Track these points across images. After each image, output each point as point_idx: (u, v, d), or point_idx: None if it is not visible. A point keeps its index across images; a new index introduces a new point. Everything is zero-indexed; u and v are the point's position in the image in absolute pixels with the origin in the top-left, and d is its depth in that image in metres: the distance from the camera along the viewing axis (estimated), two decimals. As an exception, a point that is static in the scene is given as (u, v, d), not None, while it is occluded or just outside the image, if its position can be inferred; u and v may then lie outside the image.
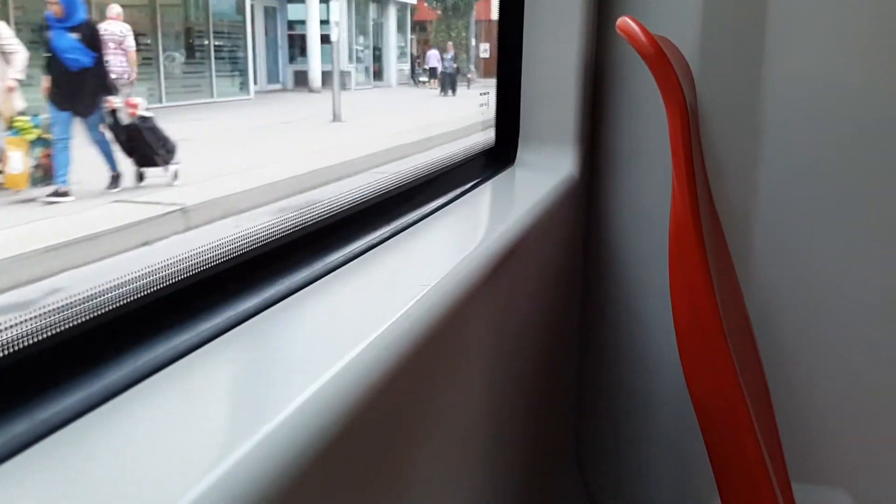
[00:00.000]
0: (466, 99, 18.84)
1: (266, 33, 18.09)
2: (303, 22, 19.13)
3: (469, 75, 23.72)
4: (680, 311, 0.89)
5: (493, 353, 1.04)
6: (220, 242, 0.74)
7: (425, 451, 0.78)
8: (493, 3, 26.43)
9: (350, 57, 20.97)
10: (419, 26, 26.18)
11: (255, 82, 15.71)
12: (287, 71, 19.34)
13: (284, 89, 18.66)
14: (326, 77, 19.05)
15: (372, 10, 23.19)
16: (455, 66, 21.07)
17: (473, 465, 0.99)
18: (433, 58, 21.83)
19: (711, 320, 0.86)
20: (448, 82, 20.90)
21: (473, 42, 25.33)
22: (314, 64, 18.91)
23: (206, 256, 0.72)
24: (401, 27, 24.25)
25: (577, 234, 1.60)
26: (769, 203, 1.56)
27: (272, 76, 18.47)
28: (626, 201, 1.60)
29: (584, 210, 1.62)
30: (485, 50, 25.60)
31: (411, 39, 24.88)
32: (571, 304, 1.64)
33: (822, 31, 1.50)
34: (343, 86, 20.30)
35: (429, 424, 0.78)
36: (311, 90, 18.42)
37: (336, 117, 12.47)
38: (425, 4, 25.15)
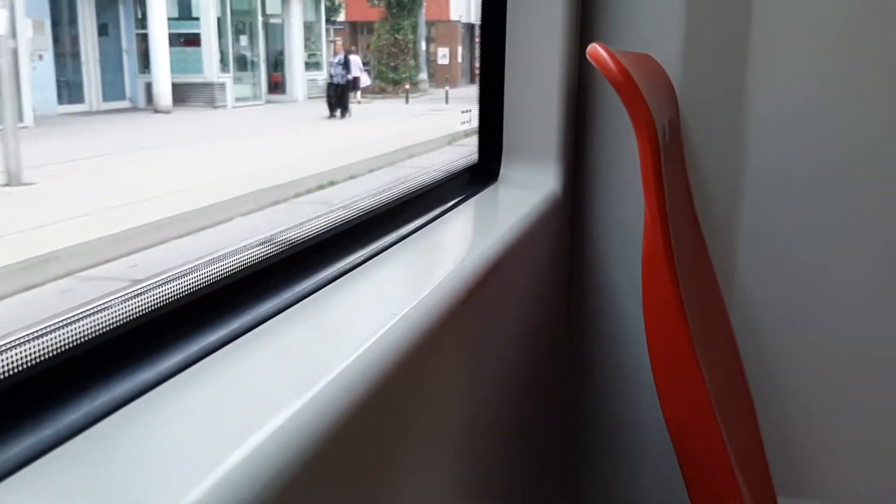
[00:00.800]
0: (361, 123, 14.50)
1: (105, 32, 12.97)
2: (175, 19, 14.49)
3: (407, 86, 19.52)
4: (653, 334, 0.89)
5: (476, 374, 1.04)
6: (187, 271, 0.75)
7: (409, 472, 0.78)
8: (449, 1, 22.77)
9: (224, 64, 16.30)
10: (365, 28, 21.89)
11: (88, 99, 11.52)
12: (137, 83, 14.21)
13: (134, 107, 13.86)
14: (188, 91, 14.88)
15: (264, 2, 17.79)
16: (347, 75, 15.61)
17: (460, 484, 0.99)
18: (355, 66, 16.25)
19: (683, 343, 0.86)
20: (337, 98, 15.24)
21: (424, 45, 21.06)
22: (160, 74, 14.03)
23: (175, 286, 0.72)
24: (312, 27, 19.26)
25: (560, 251, 1.60)
26: (753, 217, 1.56)
27: (115, 90, 13.33)
28: (609, 218, 1.61)
29: (568, 227, 1.62)
30: (443, 55, 22.22)
31: (333, 42, 20.25)
32: (557, 320, 1.64)
33: (805, 46, 1.51)
34: (212, 102, 15.32)
35: (410, 447, 0.78)
36: (157, 110, 13.72)
37: (12, 178, 6.09)
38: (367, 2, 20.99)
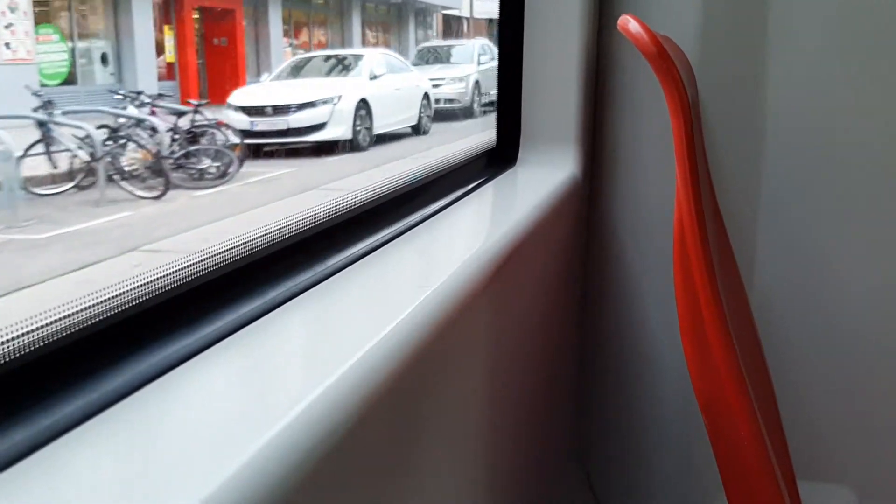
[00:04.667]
0: None
1: None
2: None
3: None
4: (683, 310, 0.89)
5: (495, 355, 1.04)
6: (219, 247, 0.74)
7: (428, 453, 0.78)
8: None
9: None
10: None
11: None
12: None
13: None
14: None
15: None
16: None
17: (476, 466, 0.99)
18: None
19: (715, 319, 0.86)
20: None
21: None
22: None
23: (205, 261, 0.72)
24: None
25: (579, 233, 1.60)
26: (772, 200, 1.56)
27: None
28: (628, 201, 1.60)
29: (587, 210, 1.62)
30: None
31: None
32: (573, 304, 1.63)
33: (823, 28, 1.50)
34: None
35: (430, 427, 0.78)
36: None
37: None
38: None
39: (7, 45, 5.16)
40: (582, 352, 1.70)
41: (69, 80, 6.61)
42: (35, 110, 4.53)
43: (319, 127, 6.74)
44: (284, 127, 6.60)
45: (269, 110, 6.75)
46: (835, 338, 1.58)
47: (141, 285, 0.64)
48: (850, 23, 1.49)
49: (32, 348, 0.54)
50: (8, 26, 5.14)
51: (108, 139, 4.64)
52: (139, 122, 4.95)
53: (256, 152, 6.21)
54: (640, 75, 1.52)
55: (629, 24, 0.84)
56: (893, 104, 1.50)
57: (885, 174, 1.52)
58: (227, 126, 5.58)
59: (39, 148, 4.44)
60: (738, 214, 1.55)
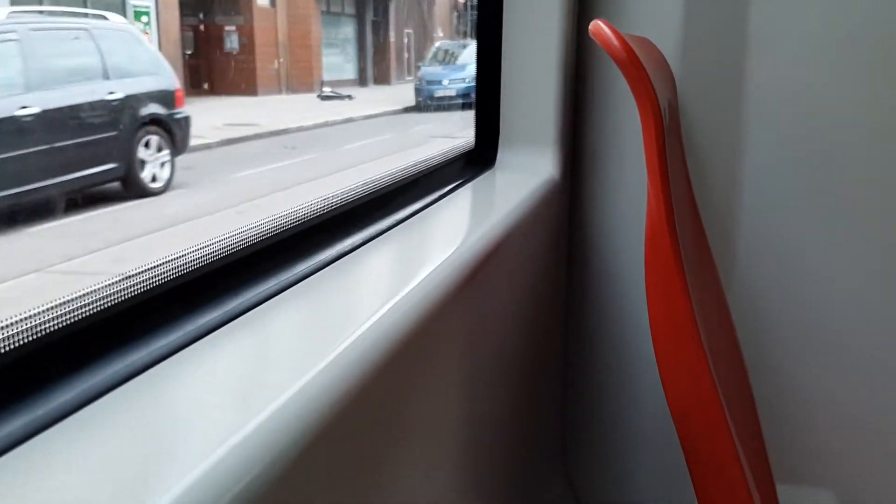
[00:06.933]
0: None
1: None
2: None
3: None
4: (655, 314, 0.88)
5: (473, 360, 1.03)
6: (186, 252, 0.73)
7: (404, 459, 0.77)
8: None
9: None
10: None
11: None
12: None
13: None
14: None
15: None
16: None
17: (456, 471, 0.98)
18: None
19: (687, 323, 0.85)
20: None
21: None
22: None
23: (173, 266, 0.71)
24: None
25: (558, 236, 1.59)
26: (752, 202, 1.55)
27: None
28: (607, 203, 1.60)
29: (566, 212, 1.61)
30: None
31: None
32: (554, 307, 1.63)
33: (804, 30, 1.50)
34: None
35: (405, 434, 0.77)
36: None
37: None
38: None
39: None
40: (564, 356, 1.70)
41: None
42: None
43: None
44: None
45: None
46: (815, 340, 1.58)
47: (100, 294, 0.63)
48: (831, 23, 1.49)
49: (32, 337, 0.56)
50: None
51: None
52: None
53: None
54: (619, 77, 1.51)
55: (600, 28, 0.83)
56: (875, 105, 1.50)
57: (867, 175, 1.52)
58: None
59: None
60: (719, 216, 1.55)
